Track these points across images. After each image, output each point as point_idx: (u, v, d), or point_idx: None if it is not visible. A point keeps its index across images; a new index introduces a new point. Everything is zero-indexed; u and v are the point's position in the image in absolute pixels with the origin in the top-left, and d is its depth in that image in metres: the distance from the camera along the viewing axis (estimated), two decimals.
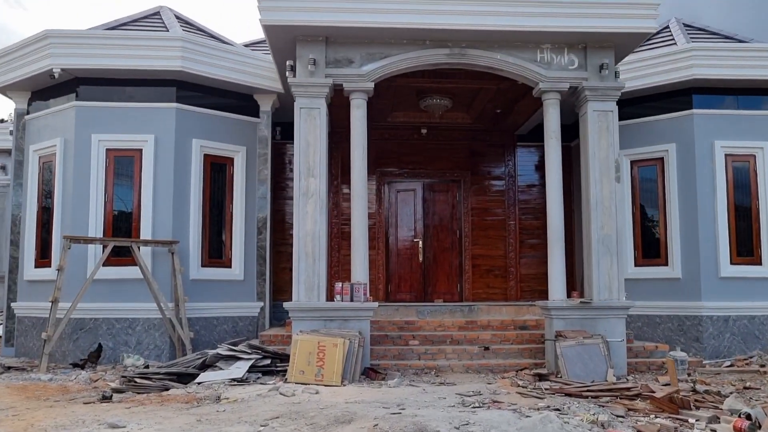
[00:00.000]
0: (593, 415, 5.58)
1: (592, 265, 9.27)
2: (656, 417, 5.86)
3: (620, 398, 6.90)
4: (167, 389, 7.59)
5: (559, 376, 8.31)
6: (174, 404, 6.58)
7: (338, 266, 12.70)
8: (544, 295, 12.23)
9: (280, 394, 6.85)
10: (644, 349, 9.66)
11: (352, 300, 8.84)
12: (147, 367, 9.16)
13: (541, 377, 8.24)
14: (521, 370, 8.87)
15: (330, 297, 9.31)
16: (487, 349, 9.48)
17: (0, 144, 16.36)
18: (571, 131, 11.58)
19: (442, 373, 8.99)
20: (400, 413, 5.58)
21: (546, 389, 7.40)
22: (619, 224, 9.36)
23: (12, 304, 11.34)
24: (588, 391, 7.22)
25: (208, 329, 10.88)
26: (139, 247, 10.12)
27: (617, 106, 9.58)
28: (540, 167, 13.41)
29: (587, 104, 9.44)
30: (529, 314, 10.67)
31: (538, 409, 6.02)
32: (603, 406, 6.32)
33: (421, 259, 13.09)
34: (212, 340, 10.64)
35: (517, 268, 13.21)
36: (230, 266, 11.31)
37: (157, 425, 5.35)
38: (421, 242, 13.12)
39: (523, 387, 7.64)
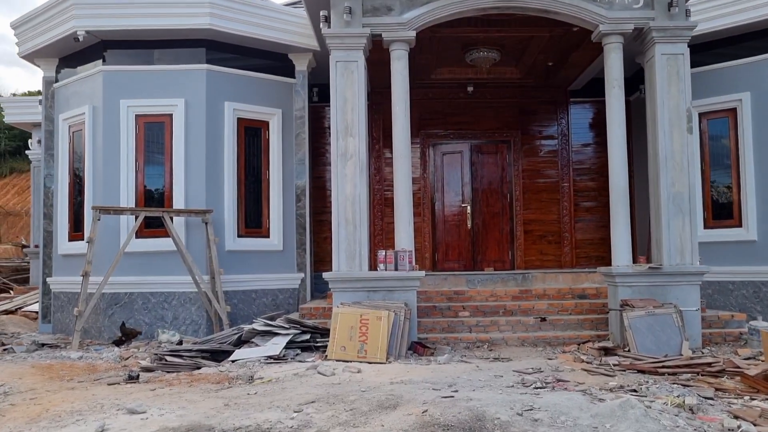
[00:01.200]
0: (678, 397, 4.79)
1: (662, 227, 8.36)
2: (751, 399, 5.03)
3: (701, 375, 6.10)
4: (199, 368, 7.06)
5: (626, 349, 7.51)
6: (203, 385, 6.03)
7: (381, 235, 12.05)
8: (600, 261, 11.43)
9: (319, 373, 6.24)
10: (719, 318, 8.76)
11: (396, 269, 8.14)
12: (181, 343, 8.68)
13: (607, 351, 7.44)
14: (583, 343, 8.09)
15: (373, 266, 8.63)
16: (543, 320, 8.73)
17: (36, 118, 16.00)
18: (629, 85, 10.54)
19: (495, 346, 8.29)
20: (452, 396, 4.89)
21: (615, 365, 6.61)
22: (692, 180, 8.41)
23: (47, 280, 11.01)
24: (663, 367, 6.42)
25: (246, 302, 10.35)
26: (171, 218, 9.62)
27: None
28: (595, 125, 12.48)
29: (654, 47, 8.43)
30: (588, 282, 9.88)
31: (611, 389, 5.27)
32: (686, 386, 5.52)
33: (469, 225, 12.32)
34: (251, 314, 10.10)
35: (572, 233, 12.36)
36: (268, 236, 10.73)
37: (180, 410, 4.78)
38: (469, 208, 12.34)
39: (588, 362, 6.87)
